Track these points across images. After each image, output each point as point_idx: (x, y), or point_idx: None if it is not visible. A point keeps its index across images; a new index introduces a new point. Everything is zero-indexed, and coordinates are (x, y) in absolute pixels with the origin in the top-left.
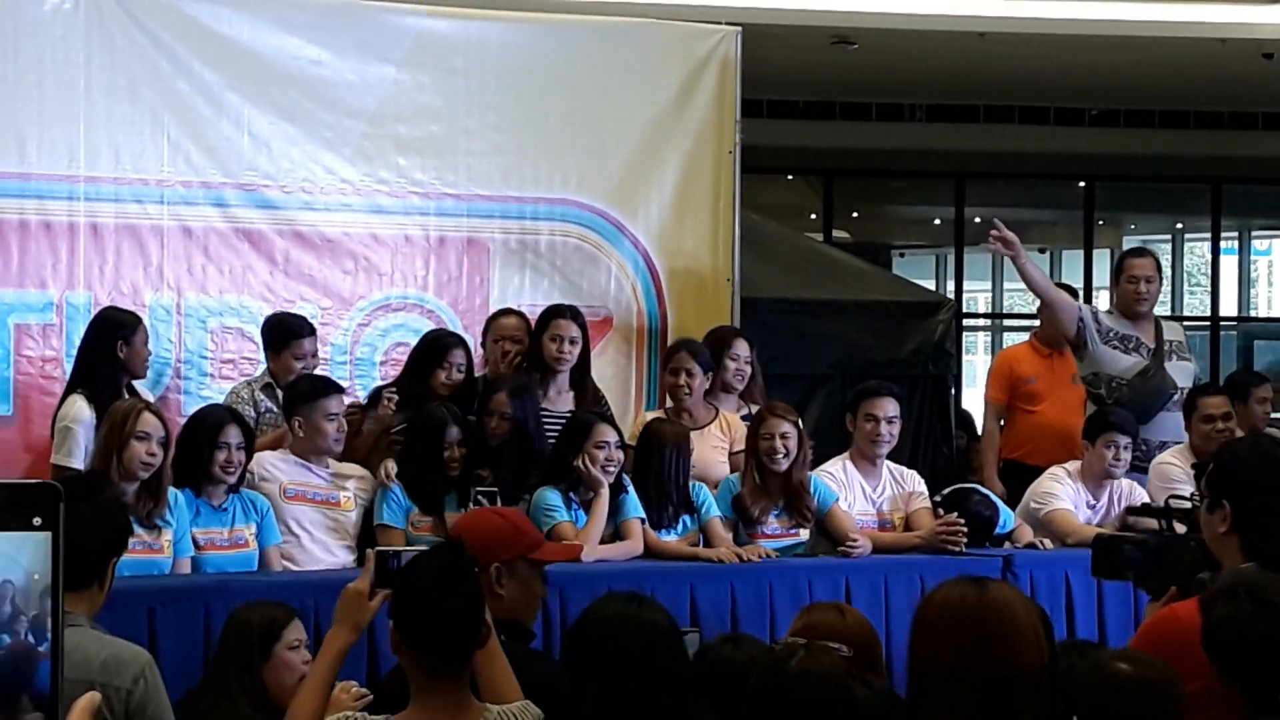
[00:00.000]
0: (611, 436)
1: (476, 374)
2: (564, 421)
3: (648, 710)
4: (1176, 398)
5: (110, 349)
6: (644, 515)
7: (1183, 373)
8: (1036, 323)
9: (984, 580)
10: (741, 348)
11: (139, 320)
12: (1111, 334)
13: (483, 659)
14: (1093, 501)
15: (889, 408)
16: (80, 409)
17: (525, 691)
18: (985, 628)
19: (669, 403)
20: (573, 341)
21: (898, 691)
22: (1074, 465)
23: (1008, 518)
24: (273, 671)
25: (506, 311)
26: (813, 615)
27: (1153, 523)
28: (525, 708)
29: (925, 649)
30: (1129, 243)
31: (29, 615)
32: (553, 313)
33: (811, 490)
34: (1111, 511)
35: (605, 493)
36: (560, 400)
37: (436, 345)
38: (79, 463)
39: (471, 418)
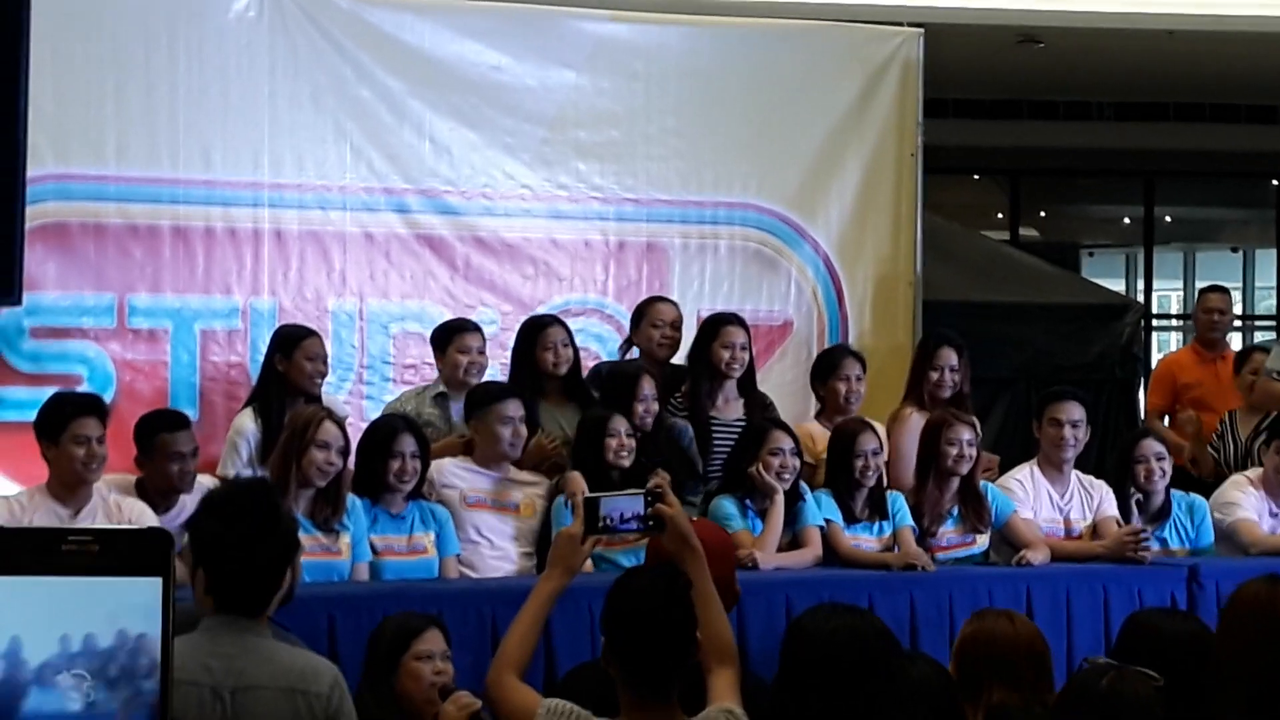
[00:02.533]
0: (786, 443)
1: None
2: (732, 430)
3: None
4: None
5: (271, 364)
6: (823, 523)
7: None
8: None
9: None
10: (948, 356)
11: (305, 335)
12: None
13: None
14: (1275, 509)
15: (1073, 412)
16: (245, 422)
17: None
18: (1274, 619)
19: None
20: (742, 348)
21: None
22: (1255, 473)
23: None
24: (400, 681)
25: (661, 298)
26: (982, 622)
27: None
28: (733, 712)
29: (1220, 640)
30: None
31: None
32: (721, 320)
33: (989, 499)
34: None
35: (780, 499)
36: (729, 409)
37: (533, 327)
38: (236, 474)
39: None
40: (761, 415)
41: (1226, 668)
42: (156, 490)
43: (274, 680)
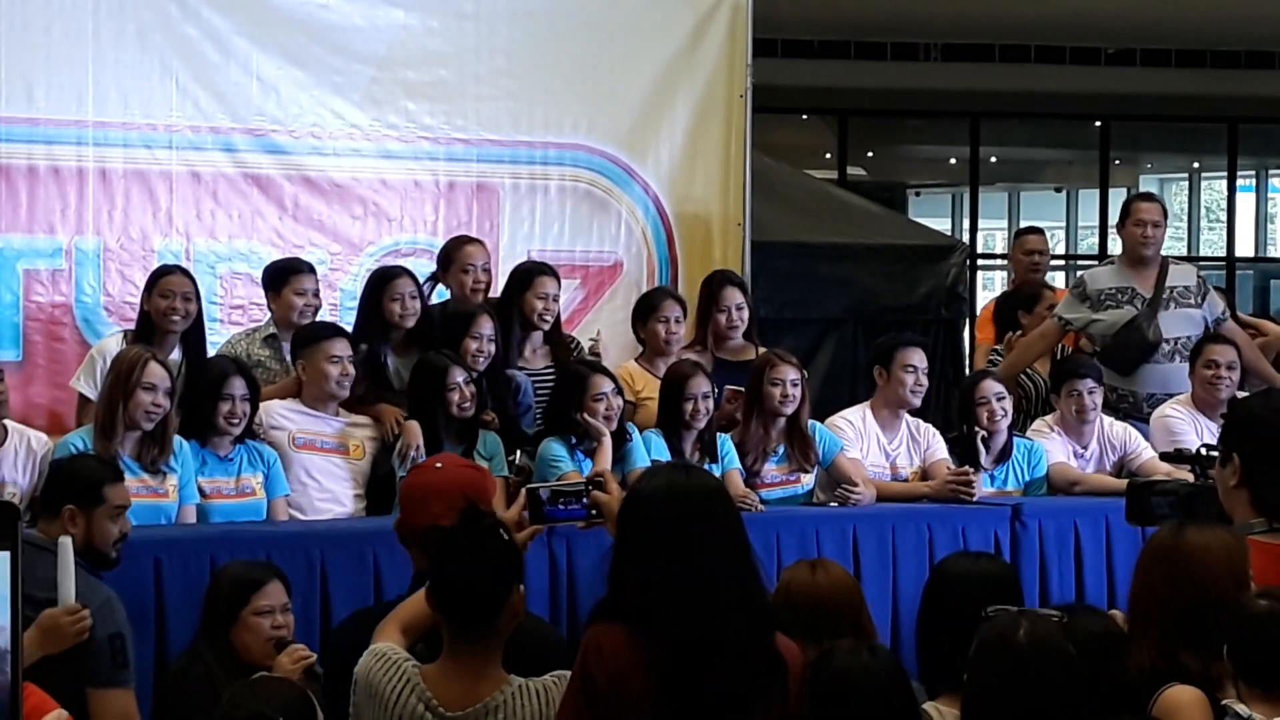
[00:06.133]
0: (608, 386)
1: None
2: (540, 377)
3: (711, 567)
4: (1168, 349)
5: (141, 303)
6: (651, 465)
7: (1182, 321)
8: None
9: (1185, 525)
10: (734, 296)
11: (167, 272)
12: (1102, 295)
13: None
14: (1080, 450)
15: (922, 359)
16: (110, 344)
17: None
18: (1178, 564)
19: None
20: (555, 299)
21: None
22: (1053, 417)
23: None
24: (238, 634)
25: (468, 239)
26: (785, 575)
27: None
28: (560, 679)
29: (1136, 584)
30: (1145, 182)
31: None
32: (536, 270)
33: (816, 438)
34: (1105, 457)
35: (607, 441)
36: (536, 358)
37: (381, 279)
38: (88, 390)
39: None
40: (571, 358)
41: (1139, 615)
42: None
43: None
